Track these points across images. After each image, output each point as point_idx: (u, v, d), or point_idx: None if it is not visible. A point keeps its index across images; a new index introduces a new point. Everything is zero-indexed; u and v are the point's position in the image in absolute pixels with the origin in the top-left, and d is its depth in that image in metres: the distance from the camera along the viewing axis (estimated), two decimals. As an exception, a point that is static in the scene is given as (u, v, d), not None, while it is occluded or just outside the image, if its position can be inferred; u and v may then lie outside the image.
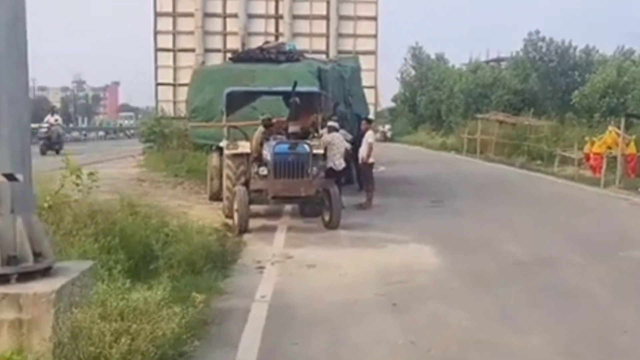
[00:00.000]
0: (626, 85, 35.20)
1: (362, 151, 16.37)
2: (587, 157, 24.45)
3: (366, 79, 23.84)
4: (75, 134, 61.41)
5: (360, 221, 13.85)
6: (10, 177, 4.98)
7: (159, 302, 5.31)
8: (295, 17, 24.98)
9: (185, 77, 22.03)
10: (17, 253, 5.05)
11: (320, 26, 25.15)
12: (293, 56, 18.48)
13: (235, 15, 24.66)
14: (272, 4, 25.26)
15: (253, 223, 13.19)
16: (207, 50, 24.38)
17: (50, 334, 4.69)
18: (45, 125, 32.74)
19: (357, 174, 18.17)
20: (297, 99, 13.95)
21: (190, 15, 24.57)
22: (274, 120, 13.98)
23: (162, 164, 21.63)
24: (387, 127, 61.88)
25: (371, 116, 25.97)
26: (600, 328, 7.04)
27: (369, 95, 24.34)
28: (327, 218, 12.99)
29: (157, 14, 24.60)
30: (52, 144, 31.40)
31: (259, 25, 25.04)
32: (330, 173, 14.79)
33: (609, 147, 22.81)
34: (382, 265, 9.84)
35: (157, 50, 24.65)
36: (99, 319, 4.69)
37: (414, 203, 16.89)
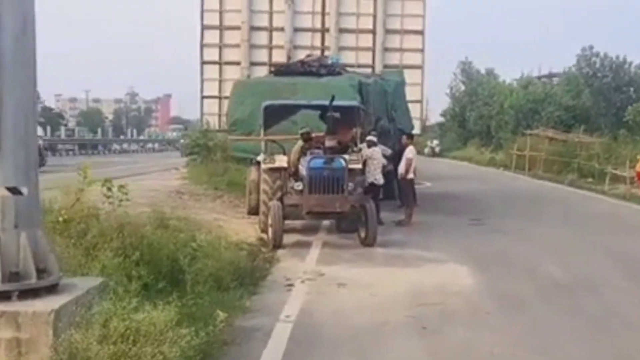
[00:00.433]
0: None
1: (401, 167, 16.06)
2: (639, 176, 23.71)
3: (412, 94, 23.60)
4: (124, 145, 62.43)
5: (398, 238, 13.55)
6: (15, 191, 4.84)
7: (168, 322, 5.09)
8: (341, 30, 24.95)
9: (230, 90, 22.04)
10: (20, 269, 4.90)
11: (366, 40, 25.04)
12: (334, 69, 18.32)
13: (281, 29, 24.69)
14: (319, 18, 25.21)
15: (288, 238, 13.02)
16: (252, 64, 24.41)
17: (49, 354, 4.52)
18: None
19: (399, 190, 17.86)
20: (335, 113, 13.74)
21: (237, 28, 24.66)
22: (313, 135, 13.80)
23: (204, 177, 21.57)
24: (436, 142, 61.28)
25: (417, 131, 25.83)
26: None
27: (415, 109, 24.05)
28: (363, 234, 12.70)
29: (204, 27, 24.79)
30: None
31: (305, 39, 25.01)
32: (371, 188, 14.56)
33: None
34: (415, 285, 9.51)
35: (203, 63, 24.82)
36: (96, 342, 4.49)
37: (455, 220, 16.51)
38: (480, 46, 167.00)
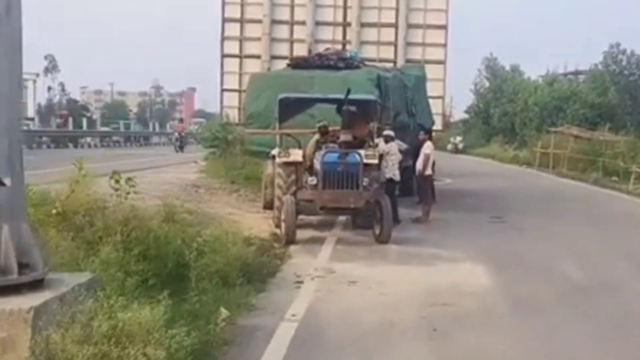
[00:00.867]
0: None
1: (419, 163, 15.74)
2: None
3: (434, 89, 23.33)
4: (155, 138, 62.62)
5: (414, 236, 13.28)
6: (-4, 182, 4.61)
7: (157, 321, 4.84)
8: (363, 25, 24.67)
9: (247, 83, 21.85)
10: (1, 264, 4.67)
11: (388, 34, 24.77)
12: (353, 63, 18.01)
13: (302, 23, 24.47)
14: (340, 12, 24.98)
15: (302, 234, 12.80)
16: (273, 57, 24.17)
17: (28, 354, 4.30)
18: None
19: (418, 186, 17.54)
20: (351, 107, 13.47)
21: (258, 21, 24.47)
22: (330, 129, 13.55)
23: (222, 170, 21.40)
24: (459, 138, 60.63)
25: (438, 127, 25.49)
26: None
27: (436, 105, 23.75)
28: (377, 231, 12.42)
29: (224, 20, 24.62)
30: None
31: (326, 33, 24.80)
32: (389, 184, 14.30)
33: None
34: (428, 285, 9.23)
35: (223, 56, 24.64)
36: (76, 342, 4.25)
37: (474, 218, 16.17)
38: (506, 42, 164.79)
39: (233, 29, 24.67)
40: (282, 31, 24.76)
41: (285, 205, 12.15)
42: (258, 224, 13.59)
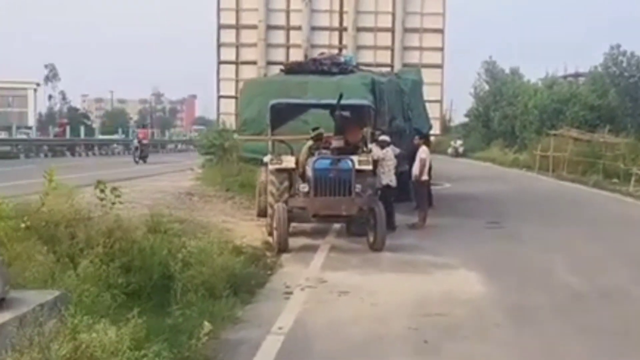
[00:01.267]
0: None
1: (415, 168, 15.49)
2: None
3: (432, 93, 23.18)
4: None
5: (409, 243, 13.01)
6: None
7: (125, 341, 4.57)
8: (359, 29, 24.63)
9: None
10: (-45, 283, 4.42)
11: (385, 39, 24.69)
12: (347, 68, 17.76)
13: (298, 28, 24.37)
14: (337, 17, 24.89)
15: (296, 242, 12.58)
16: (269, 63, 24.06)
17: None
18: None
19: (415, 191, 17.29)
20: (345, 112, 13.24)
21: (254, 27, 24.42)
22: (324, 135, 13.33)
23: (218, 178, 21.19)
24: (459, 142, 60.44)
25: (436, 131, 25.27)
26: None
27: (434, 109, 23.55)
28: (371, 239, 12.16)
29: (220, 26, 24.51)
30: None
31: (322, 38, 24.68)
32: (387, 191, 14.09)
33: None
34: (421, 294, 8.98)
35: (219, 63, 24.53)
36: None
37: (471, 223, 15.88)
38: (505, 45, 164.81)
39: (229, 35, 24.62)
40: (278, 37, 24.67)
41: (277, 213, 11.90)
42: (251, 232, 13.35)
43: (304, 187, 12.28)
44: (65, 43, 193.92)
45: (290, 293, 8.92)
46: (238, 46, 24.59)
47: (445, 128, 49.57)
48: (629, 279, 10.24)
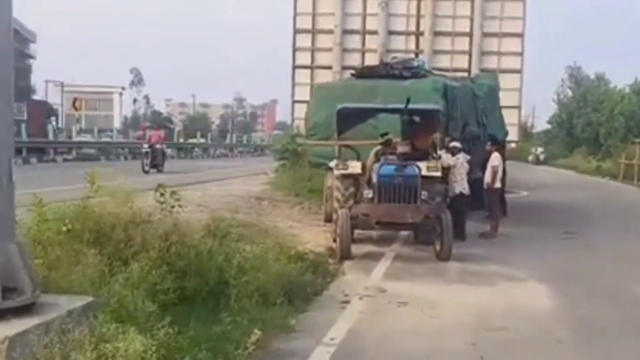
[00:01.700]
0: None
1: (487, 176, 15.01)
2: None
3: (510, 99, 22.62)
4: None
5: (478, 252, 12.58)
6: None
7: (150, 351, 4.41)
8: (436, 33, 24.28)
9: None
10: (-15, 288, 4.33)
11: (462, 43, 24.28)
12: (419, 72, 17.41)
13: (375, 32, 24.22)
14: (413, 21, 24.60)
15: (360, 249, 12.36)
16: (344, 68, 23.90)
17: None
18: None
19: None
20: (414, 117, 12.95)
21: (330, 32, 24.37)
22: (393, 140, 13.05)
23: (288, 183, 21.16)
24: (540, 149, 59.08)
25: (514, 137, 24.62)
26: None
27: (512, 115, 22.94)
28: (437, 247, 11.81)
29: (296, 31, 24.50)
30: None
31: (398, 43, 24.48)
32: (460, 199, 13.89)
33: None
34: (485, 307, 8.61)
35: (294, 67, 24.52)
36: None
37: (545, 233, 15.31)
38: (591, 51, 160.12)
39: (304, 40, 24.60)
40: (354, 41, 24.56)
41: (340, 219, 11.69)
42: (316, 237, 13.17)
43: (368, 194, 12.04)
44: (150, 48, 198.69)
45: (348, 302, 8.68)
46: (313, 50, 24.57)
47: (526, 135, 48.45)
48: None
